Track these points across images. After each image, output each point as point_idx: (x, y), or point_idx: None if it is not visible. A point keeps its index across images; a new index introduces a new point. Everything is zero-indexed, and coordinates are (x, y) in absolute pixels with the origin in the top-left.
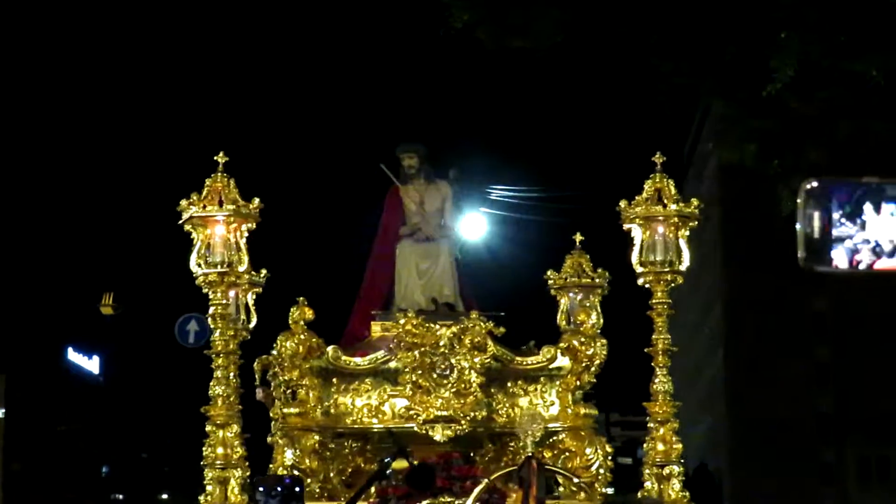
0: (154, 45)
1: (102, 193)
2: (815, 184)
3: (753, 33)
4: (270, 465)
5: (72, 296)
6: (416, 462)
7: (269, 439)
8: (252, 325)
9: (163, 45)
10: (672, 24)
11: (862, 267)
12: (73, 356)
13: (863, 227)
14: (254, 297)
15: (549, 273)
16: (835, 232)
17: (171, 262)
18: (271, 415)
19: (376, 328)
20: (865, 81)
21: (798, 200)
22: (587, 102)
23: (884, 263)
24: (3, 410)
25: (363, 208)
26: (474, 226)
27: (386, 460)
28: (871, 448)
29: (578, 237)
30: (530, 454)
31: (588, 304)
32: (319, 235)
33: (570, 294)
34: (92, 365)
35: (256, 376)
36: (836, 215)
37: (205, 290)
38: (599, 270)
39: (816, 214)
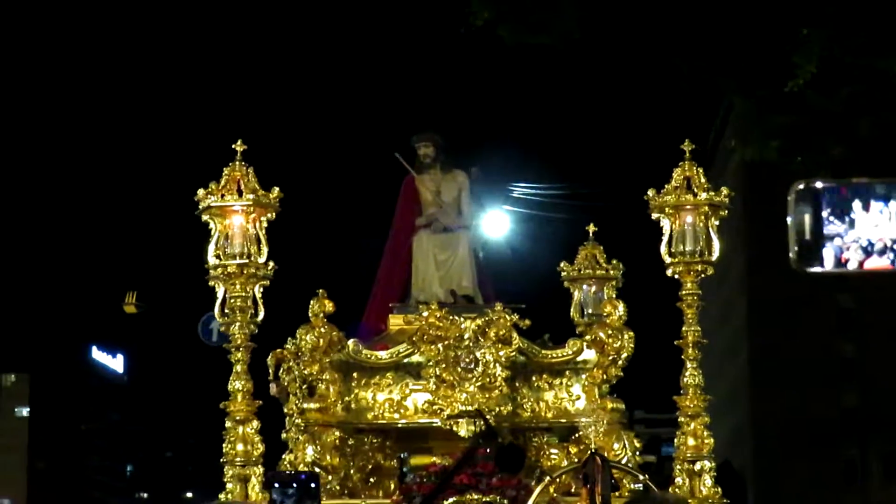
0: (172, 40)
1: (124, 192)
2: (803, 185)
3: (775, 30)
4: (281, 462)
5: (95, 295)
6: (505, 442)
7: (283, 435)
8: (260, 318)
9: (180, 40)
10: (693, 20)
11: (852, 266)
12: (97, 355)
13: (852, 225)
14: (261, 289)
15: (562, 265)
16: (824, 231)
17: (194, 259)
18: (285, 410)
19: (394, 321)
20: (887, 78)
21: (788, 201)
22: (609, 99)
23: (874, 262)
24: (28, 409)
25: (377, 198)
26: (496, 223)
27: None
28: None
29: (592, 228)
30: (594, 450)
31: (603, 296)
32: (329, 226)
33: (584, 286)
34: (116, 363)
35: (270, 371)
36: (825, 214)
37: (211, 283)
38: (614, 262)
39: (807, 216)
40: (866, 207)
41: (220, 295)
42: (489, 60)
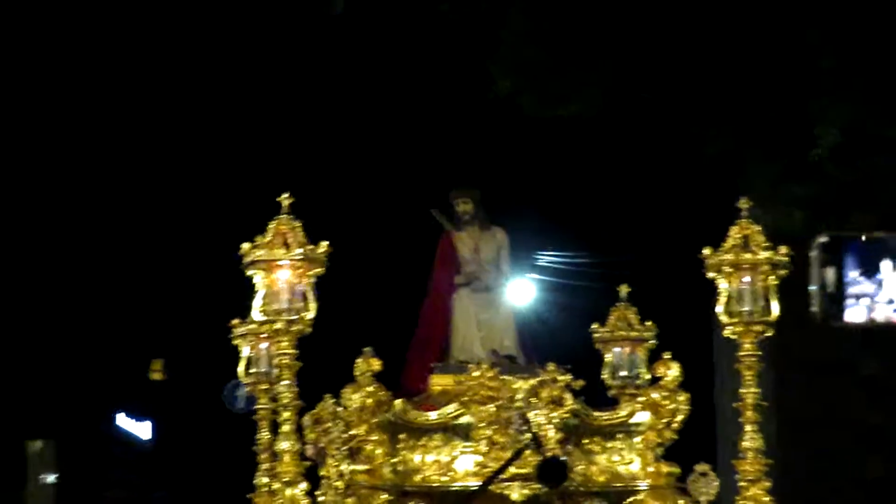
0: (206, 99)
1: (150, 260)
2: (828, 238)
3: (796, 100)
4: None
5: (121, 362)
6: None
7: (319, 498)
8: None
9: (214, 100)
10: (714, 91)
11: (878, 321)
12: (124, 421)
13: (880, 284)
14: None
15: (594, 326)
16: (852, 289)
17: (221, 325)
18: (321, 472)
19: (436, 381)
20: None
21: (811, 255)
22: (632, 168)
23: None
24: (54, 476)
25: (410, 255)
26: (523, 291)
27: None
28: None
29: (624, 289)
30: None
31: (636, 358)
32: (358, 284)
33: (616, 348)
34: (143, 430)
35: (306, 431)
36: (853, 273)
37: (235, 342)
38: (647, 323)
39: (830, 269)
40: (894, 261)
41: (244, 354)
42: (514, 128)
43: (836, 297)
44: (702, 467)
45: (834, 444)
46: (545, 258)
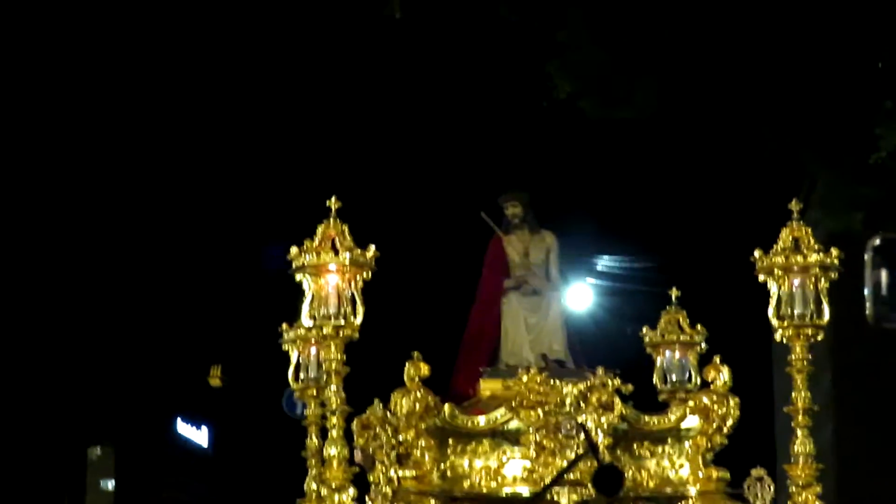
0: (259, 105)
1: (208, 267)
2: (880, 240)
3: (857, 102)
4: None
5: (179, 367)
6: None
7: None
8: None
9: (267, 106)
10: (774, 92)
11: None
12: (182, 427)
13: None
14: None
15: (644, 330)
16: None
17: (278, 331)
18: (370, 478)
19: (485, 385)
20: None
21: (865, 257)
22: (691, 171)
23: None
24: (113, 482)
25: (459, 259)
26: (580, 297)
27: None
28: None
29: (675, 293)
30: None
31: (687, 362)
32: (407, 288)
33: (667, 352)
34: (201, 436)
35: (355, 437)
36: None
37: (285, 348)
38: (698, 327)
39: (884, 270)
40: None
41: (293, 360)
42: (573, 132)
43: (890, 299)
44: (758, 472)
45: (891, 445)
46: (601, 262)
